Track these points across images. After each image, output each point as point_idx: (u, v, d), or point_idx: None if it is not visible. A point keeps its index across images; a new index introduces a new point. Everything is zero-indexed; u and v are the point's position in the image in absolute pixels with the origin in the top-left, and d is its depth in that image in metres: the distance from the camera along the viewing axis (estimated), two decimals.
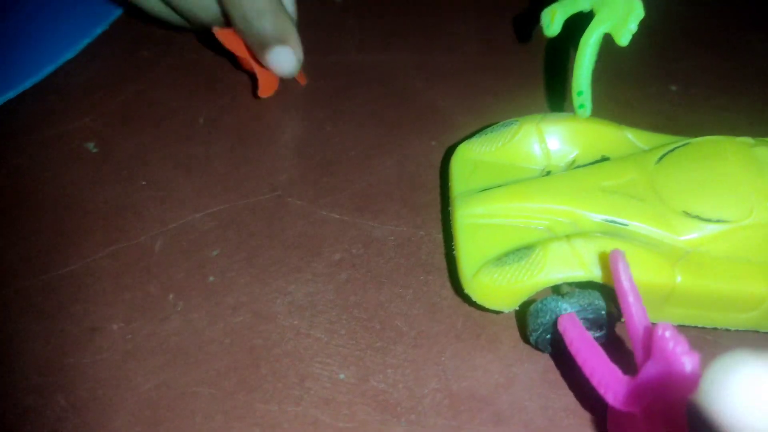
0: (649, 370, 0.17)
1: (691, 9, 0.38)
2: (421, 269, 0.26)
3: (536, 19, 0.27)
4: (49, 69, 0.32)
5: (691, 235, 0.22)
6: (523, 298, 0.22)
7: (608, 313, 0.21)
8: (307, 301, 0.24)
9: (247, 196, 0.28)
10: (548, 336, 0.22)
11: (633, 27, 0.24)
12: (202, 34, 0.33)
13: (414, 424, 0.21)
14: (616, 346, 0.22)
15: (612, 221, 0.22)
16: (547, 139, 0.26)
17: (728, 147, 0.23)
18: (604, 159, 0.25)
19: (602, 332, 0.22)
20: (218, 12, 0.30)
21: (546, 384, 0.22)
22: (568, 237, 0.22)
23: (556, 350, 0.22)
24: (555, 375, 0.23)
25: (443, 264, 0.26)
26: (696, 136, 0.25)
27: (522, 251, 0.22)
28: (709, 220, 0.22)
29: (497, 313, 0.23)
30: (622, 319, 0.21)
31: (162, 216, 0.27)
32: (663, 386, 0.16)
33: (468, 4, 0.38)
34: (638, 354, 0.18)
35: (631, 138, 0.26)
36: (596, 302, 0.21)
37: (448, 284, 0.25)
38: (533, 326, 0.22)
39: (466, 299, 0.23)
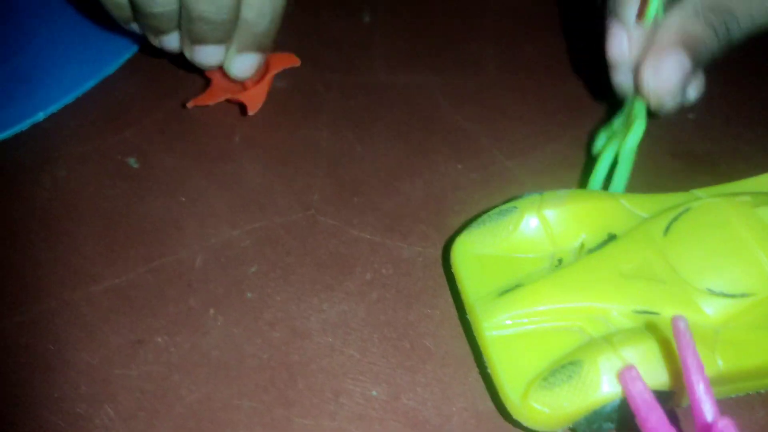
0: None
1: None
2: (448, 291, 0.27)
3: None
4: (90, 83, 0.33)
5: (719, 313, 0.22)
6: (580, 417, 0.21)
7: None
8: (340, 319, 0.26)
9: (281, 214, 0.29)
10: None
11: (631, 143, 0.28)
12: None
13: None
14: None
15: (643, 312, 0.22)
16: (551, 224, 0.25)
17: (731, 211, 0.23)
18: (612, 237, 0.25)
19: None
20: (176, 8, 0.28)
21: None
22: (611, 344, 0.21)
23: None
24: None
25: None
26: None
27: (568, 368, 0.21)
28: (734, 296, 0.22)
29: None
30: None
31: (201, 232, 0.28)
32: None
33: (488, 26, 0.39)
34: None
35: (627, 206, 0.26)
36: None
37: None
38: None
39: (515, 422, 0.22)
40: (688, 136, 0.34)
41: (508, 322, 0.23)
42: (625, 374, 0.20)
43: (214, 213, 0.29)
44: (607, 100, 0.34)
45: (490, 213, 0.26)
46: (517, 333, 0.23)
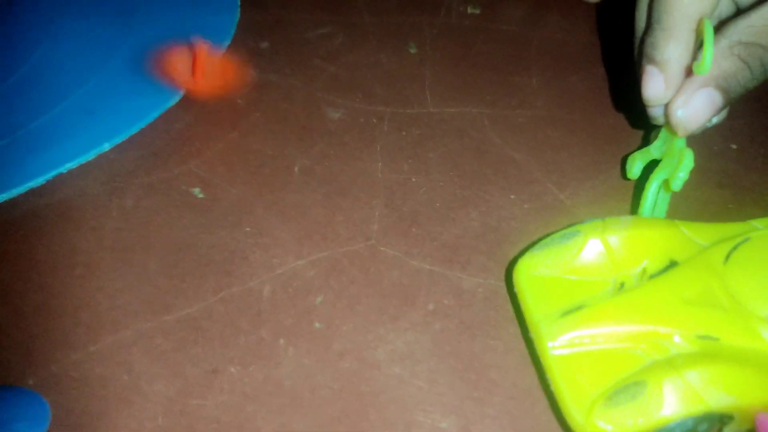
0: None
1: None
2: (510, 322, 0.27)
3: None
4: (153, 115, 0.34)
5: None
6: None
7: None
8: (406, 349, 0.26)
9: (343, 244, 0.30)
10: None
11: (683, 175, 0.28)
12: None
13: None
14: None
15: (705, 337, 0.23)
16: (614, 249, 0.26)
17: None
18: (673, 263, 0.25)
19: None
20: None
21: None
22: (674, 367, 0.22)
23: None
24: None
25: None
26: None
27: (632, 388, 0.22)
28: None
29: None
30: None
31: (268, 262, 0.29)
32: None
33: (532, 58, 0.40)
34: None
35: (688, 234, 0.26)
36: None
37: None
38: None
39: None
40: (734, 167, 0.35)
41: (570, 339, 0.24)
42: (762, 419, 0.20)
43: (279, 243, 0.30)
44: (645, 128, 0.35)
45: (554, 236, 0.27)
46: (580, 352, 0.24)
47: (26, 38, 0.38)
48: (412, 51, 0.40)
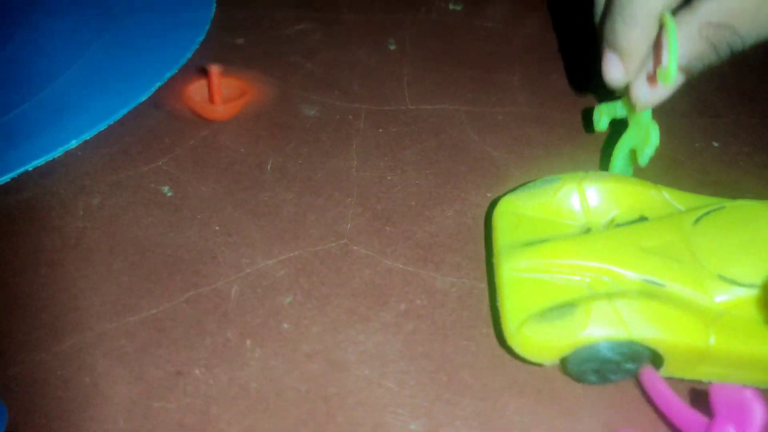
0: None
1: (733, 67, 0.40)
2: (483, 322, 0.27)
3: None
4: (122, 111, 0.33)
5: (725, 297, 0.23)
6: (565, 353, 0.23)
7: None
8: (377, 350, 0.26)
9: (315, 244, 0.29)
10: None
11: (649, 152, 0.28)
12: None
13: None
14: None
15: (650, 281, 0.24)
16: (588, 198, 0.27)
17: (763, 212, 0.25)
18: (643, 219, 0.26)
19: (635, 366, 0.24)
20: None
21: None
22: (609, 296, 0.23)
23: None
24: (618, 428, 0.24)
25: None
26: (733, 196, 0.27)
27: (565, 308, 0.23)
28: (743, 285, 0.23)
29: (539, 365, 0.25)
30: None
31: (236, 262, 0.28)
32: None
33: (513, 55, 0.40)
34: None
35: (669, 198, 0.27)
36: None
37: None
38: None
39: (509, 351, 0.25)
40: (715, 165, 0.34)
41: (525, 265, 0.25)
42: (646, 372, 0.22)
43: (249, 242, 0.29)
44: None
45: (536, 180, 0.28)
46: (531, 278, 0.25)
47: None
48: (392, 47, 0.40)
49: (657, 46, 0.28)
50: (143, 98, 0.34)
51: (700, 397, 0.24)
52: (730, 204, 0.26)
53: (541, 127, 0.35)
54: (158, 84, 0.35)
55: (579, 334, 0.23)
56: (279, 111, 0.35)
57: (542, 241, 0.26)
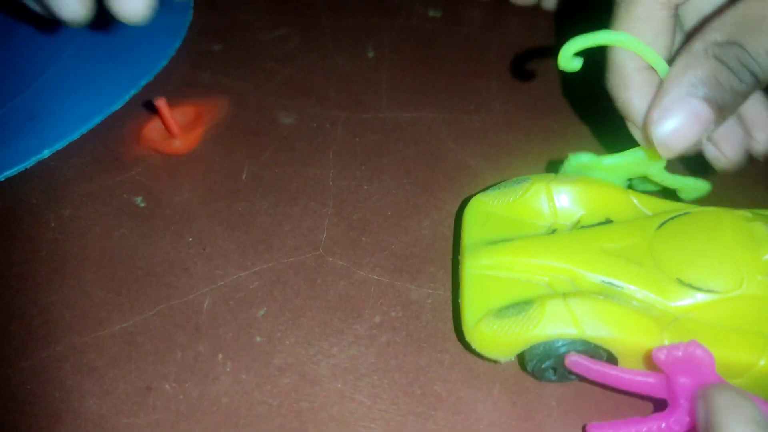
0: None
1: None
2: (458, 334, 0.27)
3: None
4: (96, 120, 0.33)
5: (682, 302, 0.23)
6: (519, 349, 0.24)
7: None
8: (350, 364, 0.26)
9: (290, 255, 0.29)
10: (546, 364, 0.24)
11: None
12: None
13: None
14: None
15: (609, 283, 0.24)
16: (556, 198, 0.27)
17: (726, 219, 0.25)
18: (608, 221, 0.27)
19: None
20: None
21: None
22: (564, 295, 0.23)
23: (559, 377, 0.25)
24: None
25: None
26: (698, 206, 0.26)
27: (521, 305, 0.24)
28: (700, 289, 0.23)
29: (495, 362, 0.25)
30: None
31: (209, 274, 0.28)
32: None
33: (492, 62, 0.40)
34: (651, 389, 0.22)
35: (636, 203, 0.27)
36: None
37: None
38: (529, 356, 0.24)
39: (467, 347, 0.25)
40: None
41: (488, 263, 0.25)
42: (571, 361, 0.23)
43: (222, 254, 0.29)
44: (602, 134, 0.35)
45: (508, 180, 0.28)
46: (493, 276, 0.25)
47: None
48: (370, 54, 0.39)
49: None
50: (118, 106, 0.34)
51: None
52: (695, 210, 0.26)
53: (518, 134, 0.35)
54: (133, 91, 0.34)
55: (532, 331, 0.23)
56: (255, 119, 0.35)
57: (507, 239, 0.26)
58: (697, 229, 0.25)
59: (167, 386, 0.24)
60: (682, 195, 0.29)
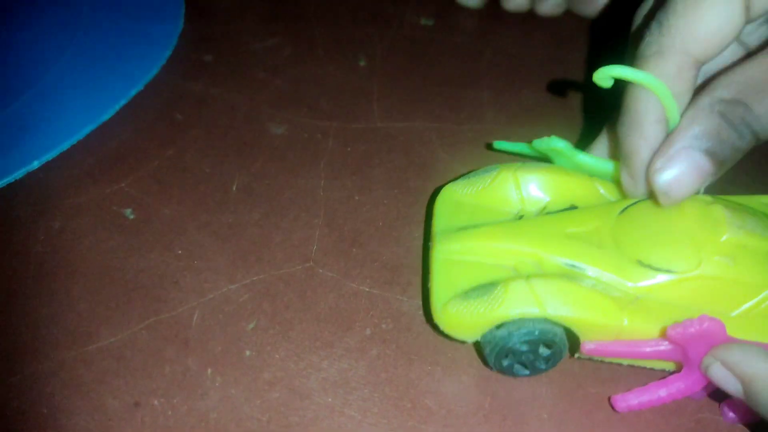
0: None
1: None
2: (449, 346, 0.27)
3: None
4: (86, 130, 0.32)
5: (642, 282, 0.24)
6: (484, 329, 0.24)
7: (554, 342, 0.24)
8: (340, 377, 0.25)
9: (280, 267, 0.29)
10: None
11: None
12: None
13: None
14: None
15: (572, 265, 0.25)
16: (523, 186, 0.28)
17: (686, 203, 0.25)
18: (573, 207, 0.27)
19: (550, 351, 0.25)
20: None
21: None
22: (528, 277, 0.24)
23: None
24: None
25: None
26: None
27: (486, 287, 0.24)
28: (659, 270, 0.24)
29: (462, 342, 0.26)
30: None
31: (199, 287, 0.28)
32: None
33: (484, 71, 0.39)
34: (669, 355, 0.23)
35: (602, 190, 0.28)
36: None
37: (475, 362, 0.26)
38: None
39: (435, 329, 0.25)
40: None
41: (457, 248, 0.26)
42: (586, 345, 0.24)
43: (212, 266, 0.28)
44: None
45: (477, 170, 0.29)
46: (461, 260, 0.26)
47: None
48: (362, 63, 0.39)
49: None
50: (108, 116, 0.33)
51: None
52: None
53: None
54: (123, 102, 0.34)
55: (496, 311, 0.23)
56: (246, 129, 0.35)
57: (475, 225, 0.27)
58: (657, 212, 0.25)
59: (155, 402, 0.24)
60: None
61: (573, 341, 0.24)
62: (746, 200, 0.28)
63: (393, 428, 0.24)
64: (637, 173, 0.26)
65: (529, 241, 0.26)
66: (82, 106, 0.34)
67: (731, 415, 0.24)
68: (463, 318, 0.24)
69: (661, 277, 0.24)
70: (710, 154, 0.24)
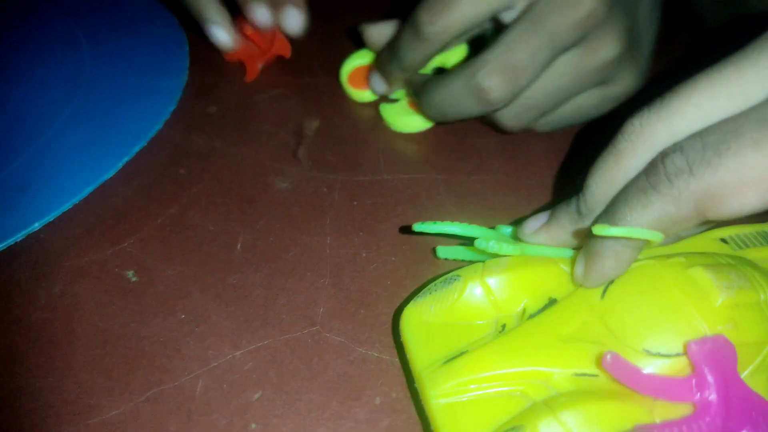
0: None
1: None
2: None
3: None
4: (88, 189, 0.32)
5: (653, 371, 0.23)
6: None
7: None
8: None
9: (286, 331, 0.28)
10: None
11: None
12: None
13: None
14: None
15: (582, 374, 0.23)
16: (494, 291, 0.26)
17: (665, 273, 0.24)
18: (552, 301, 0.25)
19: None
20: None
21: None
22: (550, 408, 0.22)
23: None
24: None
25: None
26: None
27: (512, 431, 0.22)
28: (669, 356, 0.23)
29: None
30: None
31: (202, 354, 0.27)
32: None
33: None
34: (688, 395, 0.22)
35: (566, 270, 0.26)
36: None
37: None
38: None
39: None
40: None
41: (452, 387, 0.23)
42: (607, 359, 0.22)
43: (216, 331, 0.28)
44: None
45: (436, 282, 0.27)
46: (462, 400, 0.23)
47: None
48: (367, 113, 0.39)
49: None
50: (110, 174, 0.33)
51: None
52: (629, 269, 0.25)
53: (518, 196, 0.34)
54: (126, 159, 0.34)
55: None
56: (250, 184, 0.34)
57: (461, 353, 0.24)
58: (641, 290, 0.24)
59: None
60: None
61: None
62: (703, 245, 0.27)
63: None
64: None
65: (528, 360, 0.23)
66: (83, 165, 0.33)
67: None
68: None
69: (672, 362, 0.22)
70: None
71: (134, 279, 0.30)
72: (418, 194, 0.34)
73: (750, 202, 0.21)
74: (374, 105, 0.39)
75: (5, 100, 0.37)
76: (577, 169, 0.36)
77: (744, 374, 0.23)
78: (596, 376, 0.23)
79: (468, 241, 0.28)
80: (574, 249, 0.27)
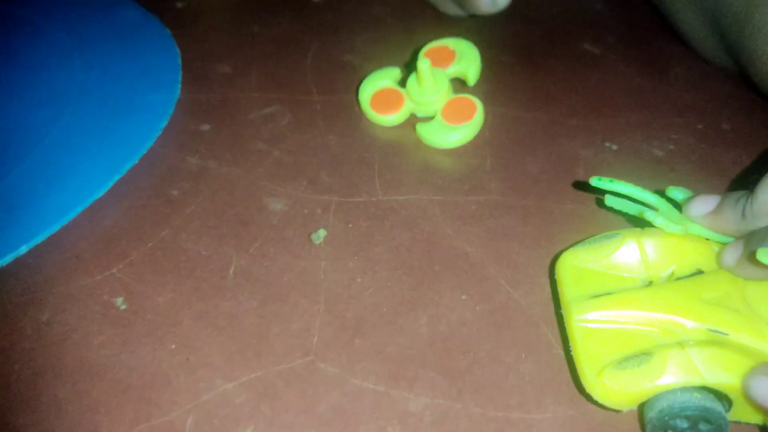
0: None
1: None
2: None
3: None
4: (76, 210, 0.31)
5: None
6: (642, 399, 0.25)
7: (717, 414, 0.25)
8: None
9: (279, 361, 0.27)
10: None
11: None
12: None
13: None
14: None
15: (714, 330, 0.26)
16: (647, 252, 0.29)
17: None
18: (700, 272, 0.28)
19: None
20: None
21: None
22: (681, 345, 0.25)
23: None
24: None
25: None
26: None
27: (641, 357, 0.25)
28: None
29: (617, 411, 0.26)
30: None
31: (193, 387, 0.26)
32: None
33: (484, 139, 0.38)
34: None
35: (716, 250, 0.29)
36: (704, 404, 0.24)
37: None
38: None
39: (588, 397, 0.26)
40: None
41: (595, 316, 0.27)
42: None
43: (207, 362, 0.27)
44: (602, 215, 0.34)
45: (596, 236, 0.30)
46: (601, 329, 0.27)
47: None
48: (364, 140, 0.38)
49: None
50: (101, 193, 0.32)
51: None
52: None
53: (515, 217, 0.34)
54: (117, 176, 0.33)
55: (656, 381, 0.24)
56: (244, 206, 0.33)
57: (608, 293, 0.27)
58: None
59: None
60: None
61: (727, 403, 0.25)
62: None
63: None
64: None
65: (668, 308, 0.26)
66: (73, 183, 0.32)
67: None
68: (620, 389, 0.25)
69: None
70: None
71: (123, 307, 0.29)
72: (414, 216, 0.34)
73: None
74: (370, 124, 0.39)
75: None
76: (571, 190, 0.35)
77: None
78: (727, 334, 0.25)
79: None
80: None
